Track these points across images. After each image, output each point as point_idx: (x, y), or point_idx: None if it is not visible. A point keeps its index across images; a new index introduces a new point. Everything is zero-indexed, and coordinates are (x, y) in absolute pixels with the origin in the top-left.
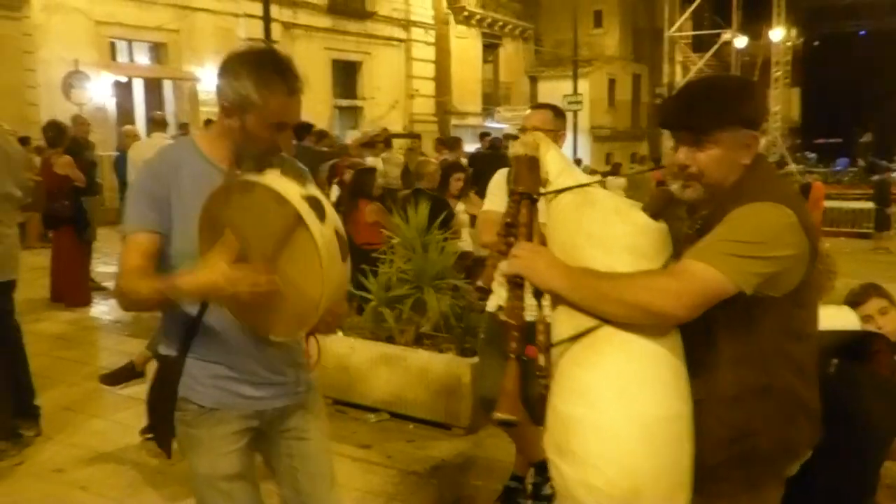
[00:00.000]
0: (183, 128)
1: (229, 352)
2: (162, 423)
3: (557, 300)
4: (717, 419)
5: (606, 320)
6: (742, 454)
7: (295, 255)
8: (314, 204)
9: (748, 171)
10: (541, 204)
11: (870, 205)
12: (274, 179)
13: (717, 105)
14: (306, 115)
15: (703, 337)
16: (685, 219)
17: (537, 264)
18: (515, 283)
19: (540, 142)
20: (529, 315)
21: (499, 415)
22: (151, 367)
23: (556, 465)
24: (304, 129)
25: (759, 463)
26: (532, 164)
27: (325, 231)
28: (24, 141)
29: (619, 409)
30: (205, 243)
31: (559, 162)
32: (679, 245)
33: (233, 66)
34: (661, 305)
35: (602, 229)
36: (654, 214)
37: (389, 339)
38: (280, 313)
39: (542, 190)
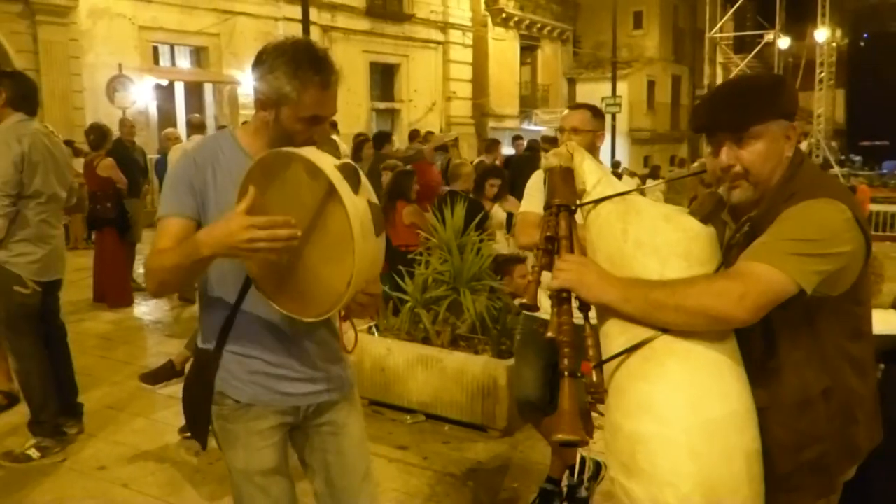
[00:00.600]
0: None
1: (266, 347)
2: (197, 415)
3: (606, 313)
4: (783, 427)
5: (663, 330)
6: (812, 461)
7: (328, 228)
8: (348, 173)
9: (795, 169)
10: (577, 215)
11: None
12: (309, 150)
13: (752, 100)
14: (345, 118)
15: (763, 342)
16: (730, 224)
17: (586, 277)
18: (561, 298)
19: (574, 152)
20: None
21: (560, 436)
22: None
23: (623, 486)
24: (384, 139)
25: (828, 468)
26: (567, 175)
27: (358, 203)
28: (67, 144)
29: (691, 421)
30: None
31: (595, 171)
32: (726, 250)
33: (268, 58)
34: (723, 309)
35: (653, 237)
36: (703, 219)
37: (426, 341)
38: (312, 292)
39: (580, 201)
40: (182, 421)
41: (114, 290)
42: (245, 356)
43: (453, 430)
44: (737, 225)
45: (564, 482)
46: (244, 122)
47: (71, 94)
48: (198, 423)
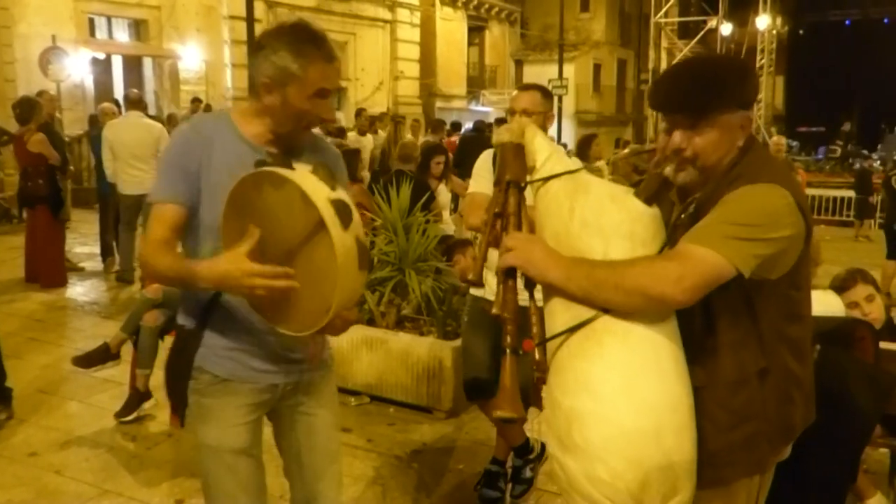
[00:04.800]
0: (194, 102)
1: (247, 326)
2: (178, 392)
3: (551, 291)
4: (718, 405)
5: (605, 310)
6: (743, 439)
7: (314, 256)
8: (340, 209)
9: (742, 153)
10: (527, 191)
11: (851, 193)
12: (304, 177)
13: (715, 87)
14: None
15: (702, 322)
16: (676, 204)
17: (533, 255)
18: (507, 275)
19: (525, 128)
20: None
21: (499, 413)
22: (126, 350)
23: (559, 460)
24: None
25: (760, 446)
26: (518, 151)
27: (346, 239)
28: None
29: (625, 400)
30: (228, 224)
31: (546, 148)
32: (671, 230)
33: (268, 41)
34: (660, 290)
35: (598, 217)
36: (647, 199)
37: (370, 322)
38: (291, 309)
39: (530, 178)
40: (118, 405)
41: (47, 269)
42: (225, 333)
43: (398, 412)
44: (683, 205)
45: (509, 463)
46: (193, 100)
47: (2, 65)
48: (178, 398)
